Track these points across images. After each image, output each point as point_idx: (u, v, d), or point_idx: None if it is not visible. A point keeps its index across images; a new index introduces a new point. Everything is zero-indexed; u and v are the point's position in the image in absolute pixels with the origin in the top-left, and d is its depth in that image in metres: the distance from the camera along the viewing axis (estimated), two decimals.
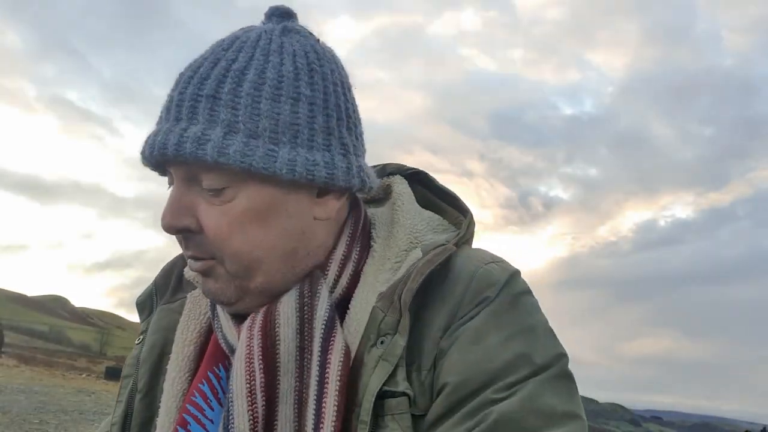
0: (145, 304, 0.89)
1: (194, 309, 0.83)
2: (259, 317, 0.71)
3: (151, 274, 0.94)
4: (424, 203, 0.83)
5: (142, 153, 0.69)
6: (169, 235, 0.71)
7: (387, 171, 0.86)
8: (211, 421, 0.72)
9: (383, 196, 0.86)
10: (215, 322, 0.77)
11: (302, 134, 0.68)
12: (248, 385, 0.67)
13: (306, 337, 0.69)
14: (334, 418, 0.65)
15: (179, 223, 0.69)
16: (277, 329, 0.69)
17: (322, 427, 0.65)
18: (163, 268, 0.92)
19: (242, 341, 0.70)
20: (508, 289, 0.71)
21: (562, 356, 0.69)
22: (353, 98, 0.76)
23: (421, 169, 0.85)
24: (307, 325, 0.69)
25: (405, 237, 0.76)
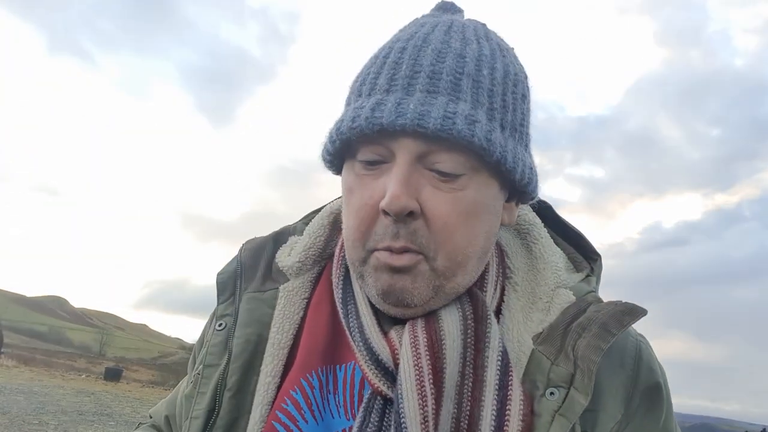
0: (226, 285, 0.81)
1: (288, 306, 0.76)
2: (421, 334, 0.64)
3: None
4: None
5: (373, 120, 0.61)
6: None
7: None
8: None
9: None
10: (350, 320, 0.70)
11: (523, 135, 0.67)
12: (422, 411, 0.61)
13: (469, 363, 0.64)
14: None
15: (410, 204, 0.61)
16: (444, 351, 0.63)
17: None
18: (249, 247, 0.83)
19: (408, 360, 0.63)
20: (663, 375, 0.73)
21: None
22: None
23: (543, 199, 0.79)
24: (470, 350, 0.64)
25: (551, 275, 0.72)
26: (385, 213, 0.62)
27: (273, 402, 0.70)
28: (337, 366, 0.71)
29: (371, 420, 0.64)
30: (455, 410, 0.63)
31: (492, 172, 0.64)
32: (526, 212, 0.78)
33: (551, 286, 0.72)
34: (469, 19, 0.73)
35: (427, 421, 0.61)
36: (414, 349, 0.63)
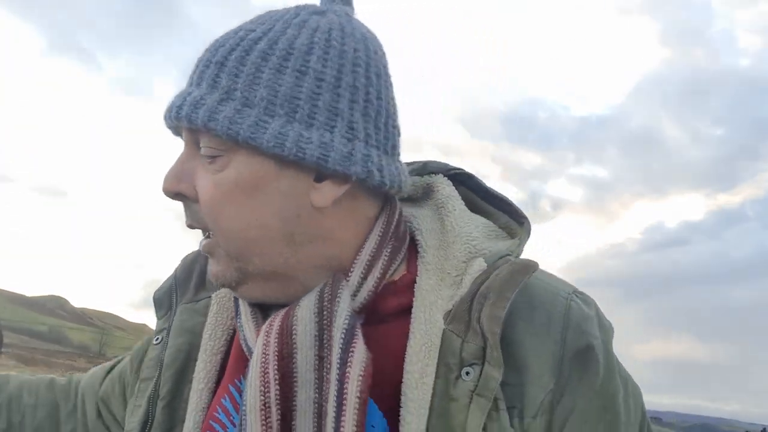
0: (163, 300, 0.83)
1: (221, 313, 0.78)
2: (277, 322, 0.65)
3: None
4: (469, 207, 0.76)
5: (163, 116, 0.69)
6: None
7: (428, 169, 0.78)
8: None
9: (421, 196, 0.79)
10: (237, 321, 0.72)
11: (302, 109, 0.63)
12: (263, 398, 0.62)
13: (325, 346, 0.63)
14: None
15: (175, 187, 0.67)
16: (294, 336, 0.63)
17: None
18: (183, 261, 0.86)
19: (257, 348, 0.64)
20: (604, 333, 0.68)
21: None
22: (384, 86, 0.70)
23: (466, 169, 0.78)
24: (326, 332, 0.63)
25: (462, 247, 0.69)
26: None
27: (208, 408, 0.72)
28: None
29: None
30: (316, 394, 0.62)
31: (252, 149, 0.63)
32: (444, 186, 0.76)
33: (462, 259, 0.68)
34: (324, 7, 0.71)
35: (267, 406, 0.61)
36: (265, 336, 0.64)
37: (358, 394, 0.60)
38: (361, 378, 0.60)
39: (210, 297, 0.80)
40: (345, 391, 0.60)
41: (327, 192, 0.66)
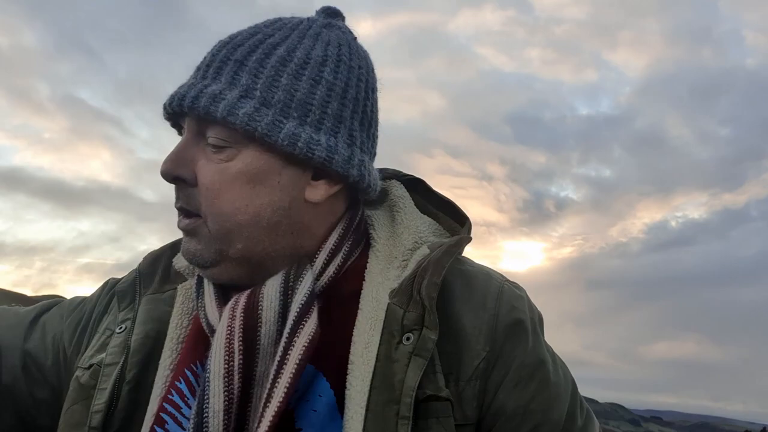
0: (126, 292, 0.85)
1: (186, 303, 0.81)
2: (243, 298, 0.71)
3: None
4: (420, 210, 0.85)
5: (165, 104, 0.75)
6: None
7: (384, 175, 0.88)
8: (188, 418, 0.70)
9: (378, 199, 0.87)
10: (199, 302, 0.77)
11: (313, 114, 0.72)
12: (226, 366, 0.67)
13: (286, 321, 0.70)
14: (282, 398, 0.64)
15: (176, 171, 0.73)
16: (259, 311, 0.70)
17: (268, 405, 0.65)
18: (147, 256, 0.89)
19: (224, 321, 0.70)
20: (532, 313, 0.78)
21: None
22: (375, 101, 0.81)
23: (417, 176, 0.87)
24: (288, 309, 0.71)
25: (410, 237, 0.79)
26: None
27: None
28: None
29: None
30: (277, 367, 0.67)
31: (263, 145, 0.71)
32: (396, 188, 0.86)
33: (409, 246, 0.78)
34: (327, 21, 0.80)
35: (231, 374, 0.67)
36: (231, 312, 0.70)
37: (297, 362, 0.66)
38: (304, 348, 0.66)
39: (176, 288, 0.84)
40: (286, 359, 0.66)
41: (322, 190, 0.75)
